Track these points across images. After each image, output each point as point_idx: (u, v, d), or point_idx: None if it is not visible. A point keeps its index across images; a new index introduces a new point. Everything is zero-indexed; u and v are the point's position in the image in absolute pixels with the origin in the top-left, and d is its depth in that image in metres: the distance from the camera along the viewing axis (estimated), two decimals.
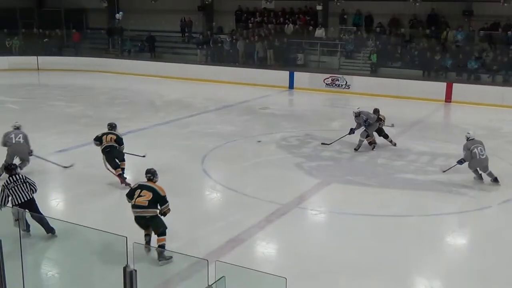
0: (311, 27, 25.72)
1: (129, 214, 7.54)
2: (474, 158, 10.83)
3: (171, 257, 6.97)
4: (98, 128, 15.00)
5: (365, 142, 13.40)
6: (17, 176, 7.87)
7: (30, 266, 5.60)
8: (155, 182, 7.73)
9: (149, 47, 28.50)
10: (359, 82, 22.12)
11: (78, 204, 9.82)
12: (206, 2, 27.92)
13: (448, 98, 20.35)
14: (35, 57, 27.68)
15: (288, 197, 10.15)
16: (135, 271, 4.52)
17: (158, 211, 7.47)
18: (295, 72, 23.39)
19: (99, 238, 6.58)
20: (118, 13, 28.18)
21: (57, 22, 30.45)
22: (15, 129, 11.07)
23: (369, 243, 8.29)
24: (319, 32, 25.24)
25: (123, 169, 10.60)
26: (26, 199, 7.54)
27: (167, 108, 18.98)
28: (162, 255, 7.04)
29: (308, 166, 12.24)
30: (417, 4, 23.22)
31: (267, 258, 7.99)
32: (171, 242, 7.46)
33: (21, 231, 4.71)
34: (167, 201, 7.55)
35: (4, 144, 10.85)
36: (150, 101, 20.25)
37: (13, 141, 10.80)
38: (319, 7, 25.82)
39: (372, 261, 7.66)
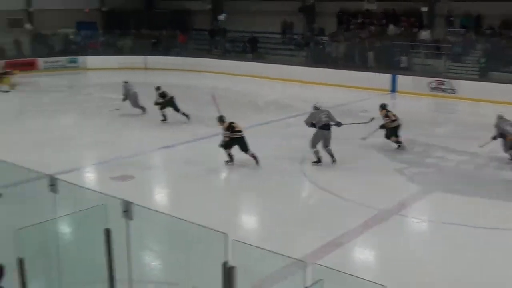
0: (415, 29, 24.92)
1: (230, 211, 7.66)
2: None
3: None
4: (199, 126, 15.54)
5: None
6: None
7: (136, 256, 5.84)
8: None
9: (251, 48, 28.93)
10: (466, 86, 21.09)
11: (180, 198, 10.14)
12: (308, 4, 27.90)
13: None
14: (144, 56, 29.00)
15: (388, 203, 9.89)
16: (234, 267, 4.57)
17: None
18: (398, 75, 22.76)
19: (200, 233, 6.75)
20: (221, 14, 28.85)
21: (165, 23, 31.70)
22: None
23: (475, 256, 7.87)
24: (424, 34, 24.37)
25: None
26: None
27: (267, 109, 19.17)
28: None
29: (409, 172, 11.86)
30: None
31: (365, 264, 7.82)
32: (268, 242, 7.49)
33: (128, 222, 4.89)
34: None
35: None
36: (251, 101, 20.53)
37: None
38: (424, 9, 24.95)
39: (478, 277, 7.26)
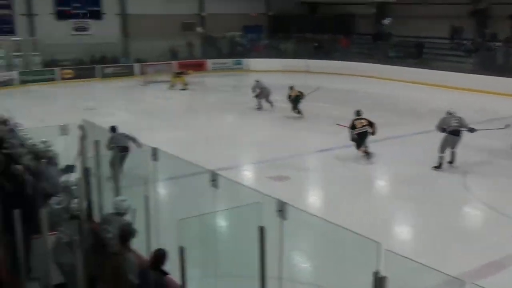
0: None
1: (385, 219, 7.46)
2: None
3: None
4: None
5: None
6: None
7: (287, 256, 5.94)
8: None
9: (416, 54, 27.92)
10: None
11: (334, 202, 10.11)
12: (480, 7, 26.20)
13: None
14: (305, 60, 29.41)
15: None
16: (386, 278, 4.43)
17: None
18: None
19: (352, 240, 6.67)
20: (386, 19, 28.25)
21: (328, 27, 31.85)
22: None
23: None
24: None
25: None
26: None
27: (429, 117, 18.33)
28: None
29: None
30: None
31: None
32: (423, 255, 7.18)
33: (282, 222, 4.97)
34: None
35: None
36: (412, 109, 19.84)
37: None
38: None
39: None
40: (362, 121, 12.81)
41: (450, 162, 12.14)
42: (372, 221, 8.44)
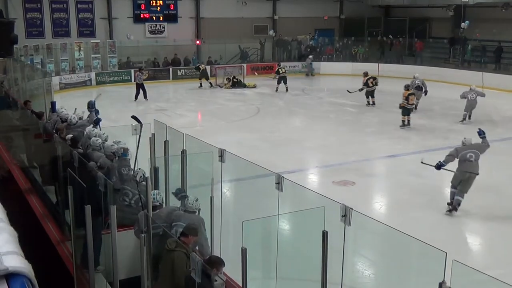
0: None
1: (453, 229, 7.25)
2: None
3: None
4: (430, 136, 14.99)
5: None
6: None
7: (349, 262, 5.90)
8: None
9: (495, 58, 26.87)
10: None
11: (399, 209, 9.92)
12: None
13: None
14: (376, 64, 28.95)
15: None
16: None
17: None
18: None
19: (417, 249, 6.52)
20: (464, 22, 27.37)
21: (402, 30, 31.23)
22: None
23: None
24: None
25: None
26: None
27: (506, 124, 17.63)
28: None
29: None
30: None
31: None
32: (492, 269, 6.91)
33: (346, 226, 4.94)
34: None
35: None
36: (487, 115, 19.10)
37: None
38: None
39: None
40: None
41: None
42: (439, 230, 8.21)
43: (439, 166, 10.01)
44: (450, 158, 10.10)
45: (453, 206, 9.73)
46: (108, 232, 5.57)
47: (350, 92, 19.84)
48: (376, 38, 31.72)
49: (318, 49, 31.82)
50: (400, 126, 16.33)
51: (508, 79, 24.21)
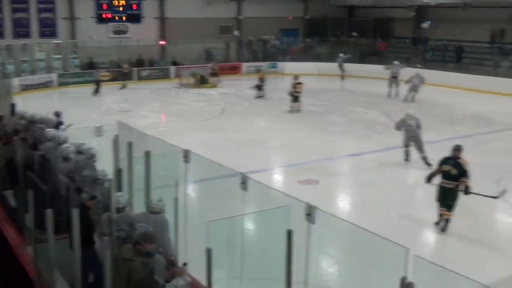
0: None
1: (414, 225, 7.38)
2: None
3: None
4: (388, 135, 15.23)
5: None
6: None
7: (314, 260, 5.93)
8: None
9: (456, 58, 27.47)
10: None
11: (363, 207, 10.05)
12: None
13: None
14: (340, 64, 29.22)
15: None
16: (412, 284, 4.39)
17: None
18: None
19: (379, 245, 6.60)
20: (425, 22, 27.88)
21: (365, 31, 31.61)
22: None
23: None
24: None
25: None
26: None
27: (465, 122, 18.05)
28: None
29: None
30: None
31: None
32: (451, 262, 7.09)
33: (310, 225, 4.98)
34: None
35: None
36: (448, 114, 19.52)
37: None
38: None
39: None
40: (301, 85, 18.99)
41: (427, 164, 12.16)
42: (401, 226, 8.35)
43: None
44: (396, 126, 13.00)
45: (426, 162, 12.02)
46: (64, 237, 5.51)
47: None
48: (340, 38, 32.04)
49: (284, 49, 31.98)
50: (289, 111, 18.93)
51: (468, 78, 24.77)
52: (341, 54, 27.16)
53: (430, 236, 9.39)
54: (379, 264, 6.91)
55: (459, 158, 9.07)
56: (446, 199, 8.92)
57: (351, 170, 13.02)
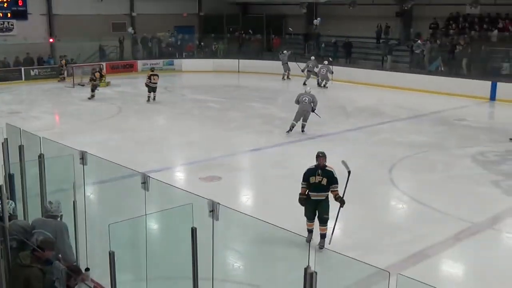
0: None
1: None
2: None
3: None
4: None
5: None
6: None
7: (219, 256, 5.97)
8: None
9: (345, 53, 28.64)
10: None
11: (266, 201, 10.23)
12: (405, 8, 27.15)
13: None
14: (237, 60, 29.53)
15: (481, 216, 9.44)
16: (316, 273, 4.54)
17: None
18: (498, 83, 21.64)
19: (283, 237, 6.77)
20: (316, 19, 28.81)
21: (259, 27, 32.11)
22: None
23: None
24: None
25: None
26: None
27: (358, 114, 18.89)
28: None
29: (506, 184, 11.26)
30: None
31: (453, 279, 7.51)
32: (352, 250, 7.40)
33: (214, 221, 5.00)
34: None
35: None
36: (342, 107, 20.34)
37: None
38: None
39: None
40: (155, 77, 20.37)
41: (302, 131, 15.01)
42: (303, 218, 8.57)
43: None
44: (296, 100, 15.02)
45: (290, 128, 14.86)
46: None
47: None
48: (235, 35, 32.33)
49: (179, 47, 31.73)
50: (147, 101, 20.36)
51: (357, 72, 25.94)
52: (284, 51, 27.37)
53: (330, 226, 9.74)
54: (284, 256, 7.10)
55: (326, 166, 8.25)
56: (322, 212, 7.99)
57: (253, 165, 13.19)
